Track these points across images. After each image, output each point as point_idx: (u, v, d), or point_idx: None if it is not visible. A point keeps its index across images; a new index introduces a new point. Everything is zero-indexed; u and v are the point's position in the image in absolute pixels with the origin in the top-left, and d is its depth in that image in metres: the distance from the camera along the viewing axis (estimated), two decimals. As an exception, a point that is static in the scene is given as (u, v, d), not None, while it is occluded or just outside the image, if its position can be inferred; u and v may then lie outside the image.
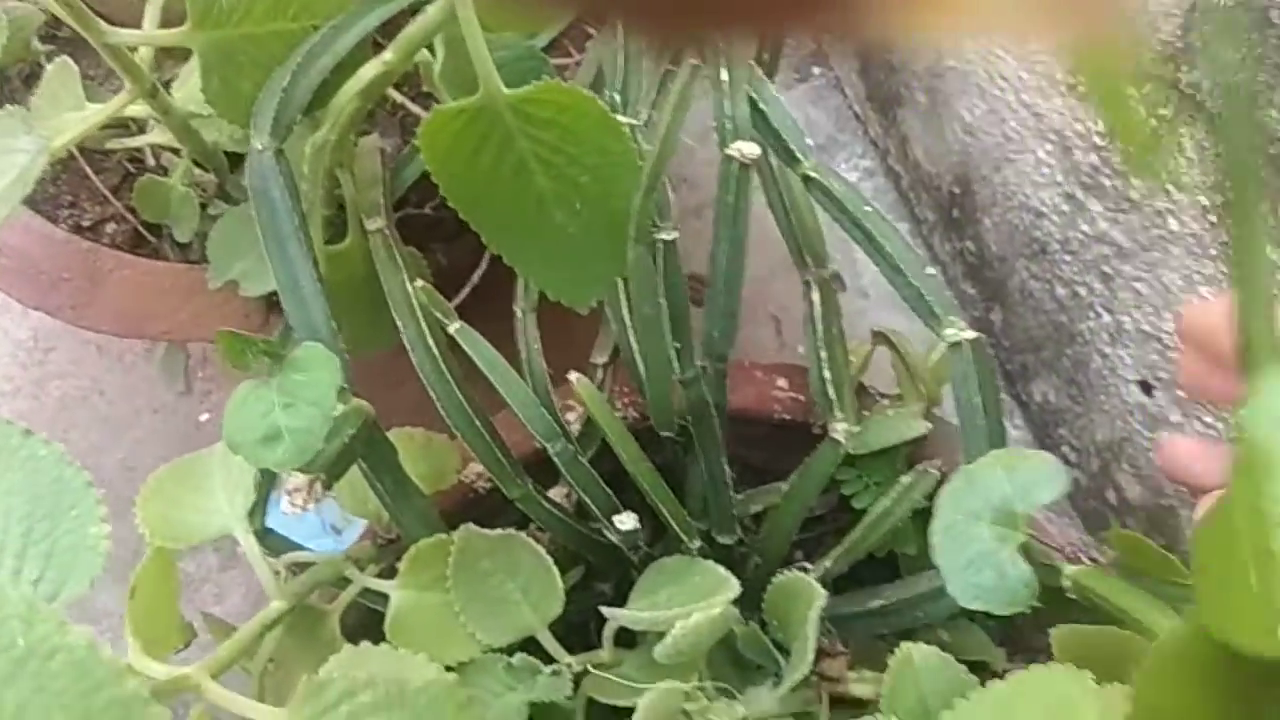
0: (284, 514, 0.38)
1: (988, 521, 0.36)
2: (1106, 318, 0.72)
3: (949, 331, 0.45)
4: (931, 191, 0.89)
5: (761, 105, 0.48)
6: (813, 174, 0.48)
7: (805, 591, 0.46)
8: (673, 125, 0.43)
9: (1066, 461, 0.85)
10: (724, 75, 0.48)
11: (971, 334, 0.45)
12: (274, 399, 0.35)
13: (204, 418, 0.92)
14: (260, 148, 0.44)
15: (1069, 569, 0.36)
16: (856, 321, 0.94)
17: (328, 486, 0.39)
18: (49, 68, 0.56)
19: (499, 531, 0.48)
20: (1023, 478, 0.37)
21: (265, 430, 0.35)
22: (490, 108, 0.43)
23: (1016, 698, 0.35)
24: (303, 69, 0.46)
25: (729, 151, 0.47)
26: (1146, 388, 0.71)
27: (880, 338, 0.53)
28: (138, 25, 0.52)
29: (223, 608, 0.87)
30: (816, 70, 1.01)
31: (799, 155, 0.48)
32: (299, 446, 0.35)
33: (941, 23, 0.14)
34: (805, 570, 0.51)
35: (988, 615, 0.38)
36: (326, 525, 0.80)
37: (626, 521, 0.48)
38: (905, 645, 0.43)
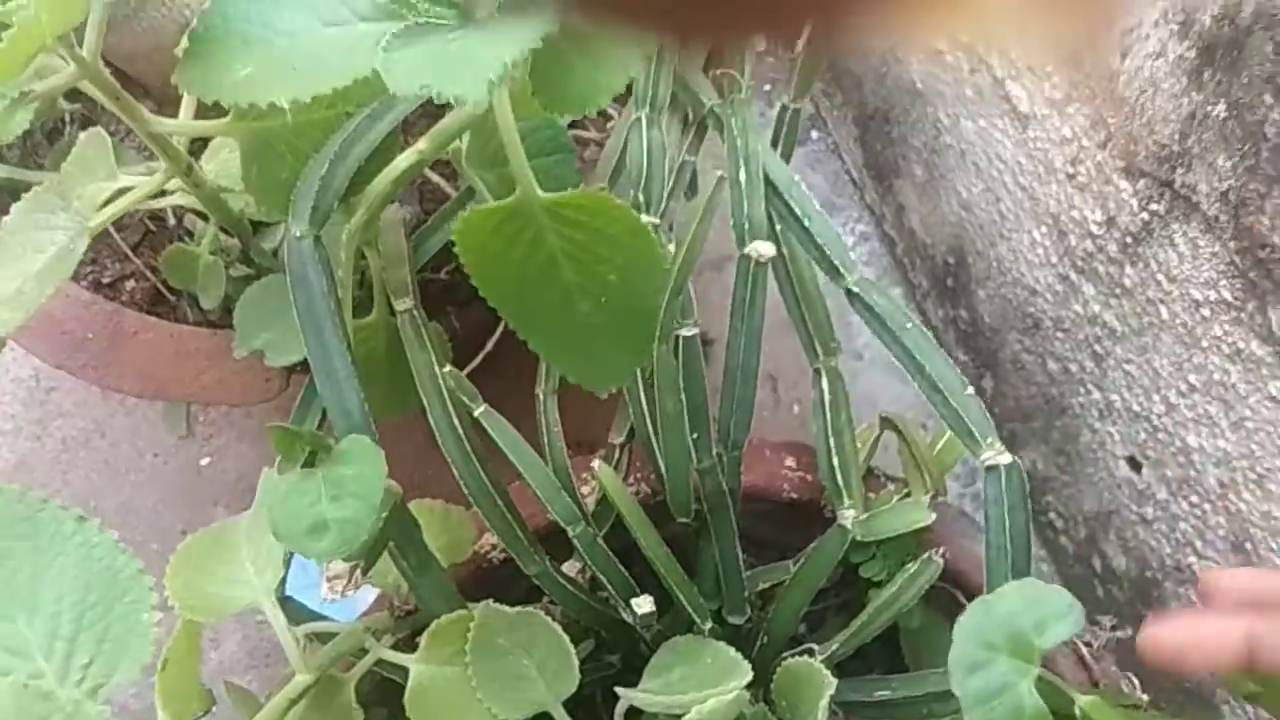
0: (324, 600, 0.39)
1: (1005, 654, 0.38)
2: (1097, 394, 0.75)
3: (986, 455, 0.46)
4: (926, 259, 0.91)
5: (805, 221, 0.50)
6: (855, 289, 0.50)
7: (815, 678, 0.48)
8: (698, 232, 0.45)
9: (1053, 528, 0.87)
10: (741, 177, 0.50)
11: (1008, 458, 0.46)
12: (320, 490, 0.37)
13: (205, 462, 0.93)
14: (299, 234, 0.45)
15: (1082, 699, 0.38)
16: (851, 384, 0.96)
17: (365, 571, 0.40)
18: (82, 136, 0.57)
19: (517, 609, 0.50)
20: (1040, 611, 0.38)
21: (312, 521, 0.36)
22: (525, 209, 0.44)
23: None
24: (339, 158, 0.47)
25: (747, 252, 0.49)
26: (1135, 464, 0.73)
27: (887, 423, 0.55)
28: (168, 90, 0.53)
29: (219, 654, 0.87)
30: (815, 134, 1.03)
31: (842, 270, 0.50)
32: (345, 538, 0.36)
33: (945, 23, 0.14)
34: (811, 652, 0.52)
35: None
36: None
37: (644, 605, 0.49)
38: None
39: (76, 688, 0.34)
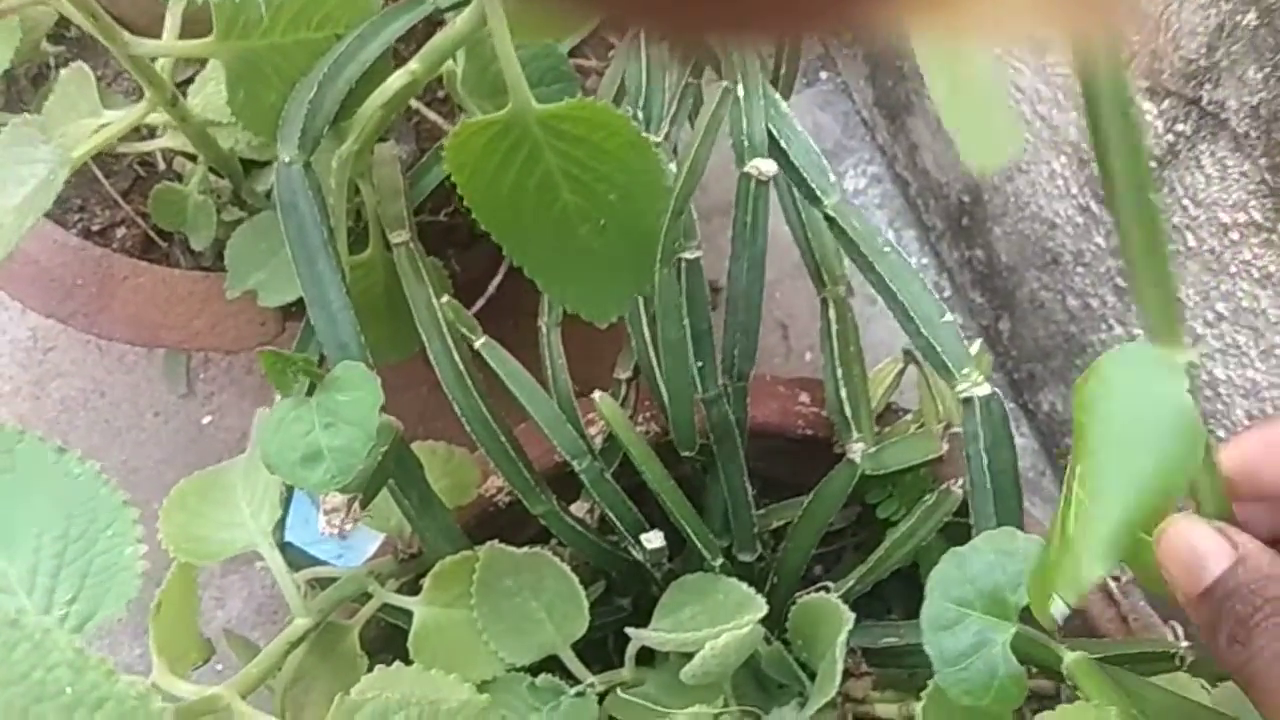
0: (321, 534, 0.38)
1: (979, 611, 0.35)
2: (1119, 330, 0.72)
3: (962, 386, 0.43)
4: (940, 199, 0.89)
5: (782, 142, 0.47)
6: (833, 213, 0.47)
7: (833, 615, 0.46)
8: (702, 149, 0.43)
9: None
10: (741, 93, 0.48)
11: (986, 389, 0.42)
12: (314, 419, 0.35)
13: (206, 420, 0.92)
14: (288, 160, 0.43)
15: (1069, 656, 0.35)
16: (865, 329, 0.94)
17: (364, 505, 0.39)
18: (63, 73, 0.55)
19: (524, 549, 0.48)
20: (1017, 564, 0.36)
21: (306, 450, 0.35)
22: (519, 122, 0.42)
23: None
24: (329, 80, 0.45)
25: (747, 170, 0.47)
26: (1158, 400, 0.71)
27: (909, 357, 0.53)
28: (151, 29, 0.51)
29: (225, 612, 0.86)
30: (824, 75, 1.00)
31: (820, 194, 0.47)
32: (341, 466, 0.34)
33: (957, 23, 0.14)
34: (827, 589, 0.51)
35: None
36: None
37: (654, 540, 0.48)
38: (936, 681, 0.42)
39: (60, 626, 0.32)
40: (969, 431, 0.42)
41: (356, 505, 0.38)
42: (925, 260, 0.93)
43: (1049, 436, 0.86)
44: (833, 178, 0.45)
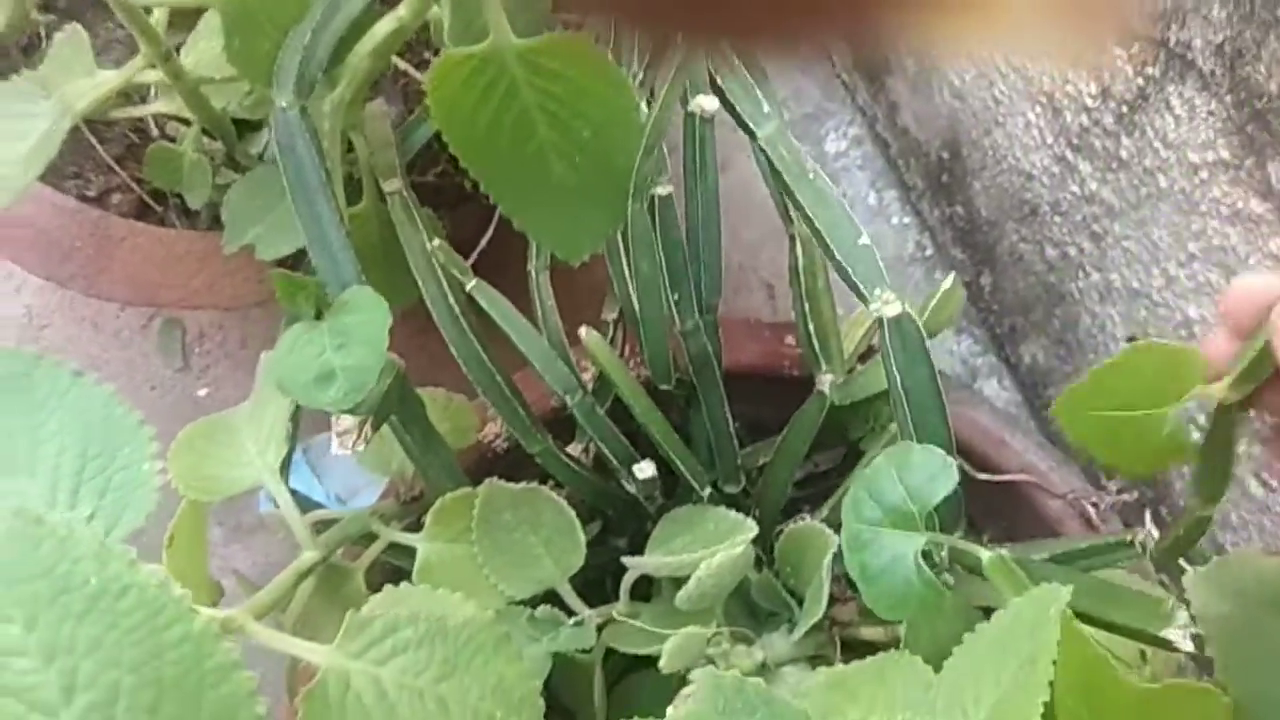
0: (335, 455, 0.39)
1: (888, 526, 0.37)
2: (1096, 276, 0.74)
3: (874, 306, 0.43)
4: (920, 158, 0.90)
5: (718, 77, 0.48)
6: (764, 145, 0.47)
7: (818, 539, 0.48)
8: (674, 86, 0.45)
9: (1056, 421, 0.87)
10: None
11: (898, 308, 0.42)
12: (326, 341, 0.36)
13: (202, 393, 0.93)
14: (285, 105, 0.44)
15: (986, 556, 0.37)
16: (841, 285, 0.96)
17: (376, 427, 0.40)
18: (58, 35, 0.56)
19: (522, 485, 0.50)
20: (913, 477, 0.37)
21: (319, 371, 0.36)
22: (498, 56, 0.43)
23: (1012, 626, 0.36)
24: (321, 26, 0.46)
25: (690, 108, 0.48)
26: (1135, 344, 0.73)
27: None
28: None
29: (228, 581, 0.87)
30: (804, 41, 1.02)
31: (753, 125, 0.47)
32: (353, 384, 0.35)
33: (968, 29, 0.14)
34: (806, 519, 0.52)
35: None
36: (331, 496, 0.81)
37: (646, 469, 0.49)
38: None
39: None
40: (884, 351, 0.42)
41: (368, 427, 0.40)
42: (908, 220, 0.95)
43: (1030, 388, 0.88)
44: (767, 108, 0.46)
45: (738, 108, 0.47)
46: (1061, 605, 0.28)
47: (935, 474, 0.38)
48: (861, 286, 0.43)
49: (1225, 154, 0.59)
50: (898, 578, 0.37)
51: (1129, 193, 0.68)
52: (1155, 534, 0.42)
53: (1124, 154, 0.66)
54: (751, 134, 0.48)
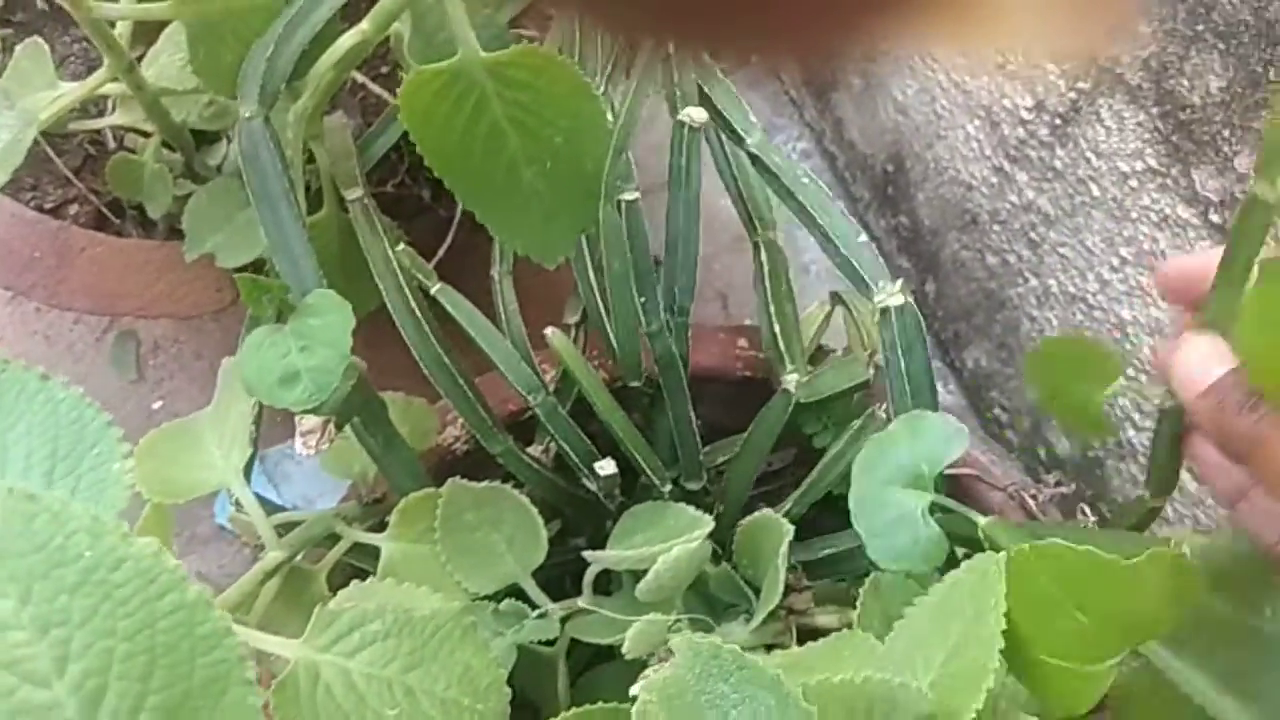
0: (301, 456, 0.40)
1: (899, 486, 0.39)
2: (1034, 281, 0.77)
3: (879, 298, 0.47)
4: (866, 171, 0.93)
5: (707, 89, 0.51)
6: (755, 151, 0.51)
7: (774, 528, 0.49)
8: (639, 92, 0.46)
9: (998, 423, 0.90)
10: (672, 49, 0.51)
11: (900, 300, 0.46)
12: (290, 343, 0.37)
13: (156, 405, 0.92)
14: (249, 115, 0.45)
15: (982, 521, 0.39)
16: (799, 297, 0.98)
17: (339, 427, 0.41)
18: (18, 48, 0.56)
19: (484, 484, 0.51)
20: (925, 441, 0.40)
21: (283, 372, 0.37)
22: (467, 70, 0.45)
23: (952, 595, 0.38)
24: (284, 39, 0.48)
25: (680, 118, 0.50)
26: (1073, 346, 0.76)
27: (836, 298, 0.57)
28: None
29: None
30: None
31: (743, 133, 0.51)
32: (318, 384, 0.36)
33: (964, 31, 0.14)
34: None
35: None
36: (289, 505, 0.81)
37: (607, 467, 0.51)
38: (874, 574, 0.46)
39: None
40: (886, 339, 0.46)
41: (331, 427, 0.41)
42: (853, 223, 0.98)
43: (974, 391, 0.90)
44: (753, 118, 0.48)
45: (727, 117, 0.50)
46: (1001, 565, 0.30)
47: (949, 436, 0.41)
48: (867, 279, 0.47)
49: (1153, 162, 0.62)
50: (904, 531, 0.40)
51: (1064, 201, 0.70)
52: (1093, 523, 0.44)
53: (1058, 164, 0.69)
54: (740, 142, 0.50)
